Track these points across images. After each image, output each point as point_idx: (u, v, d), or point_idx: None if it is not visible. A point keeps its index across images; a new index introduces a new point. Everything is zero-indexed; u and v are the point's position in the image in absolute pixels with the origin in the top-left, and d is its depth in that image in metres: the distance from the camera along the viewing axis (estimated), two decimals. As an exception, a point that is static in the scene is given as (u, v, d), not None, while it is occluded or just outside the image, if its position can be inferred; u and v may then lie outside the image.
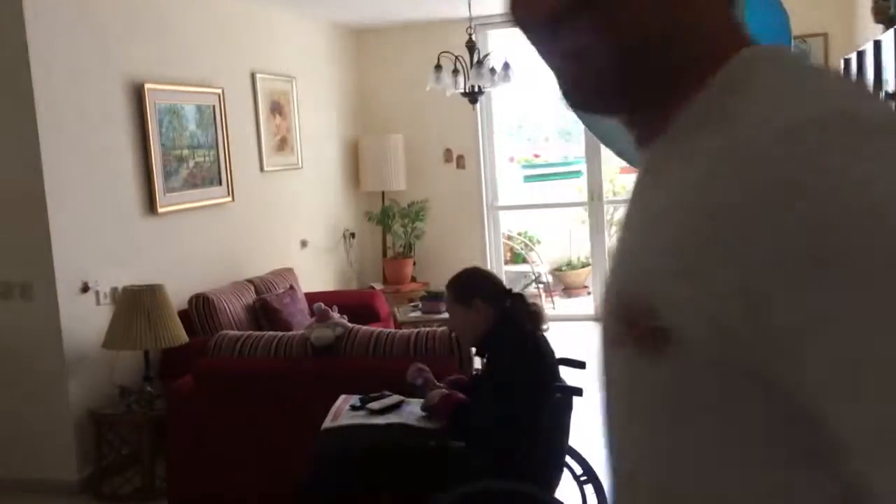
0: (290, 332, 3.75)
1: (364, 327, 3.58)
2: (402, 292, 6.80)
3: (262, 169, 5.74)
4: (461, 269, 2.95)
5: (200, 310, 4.52)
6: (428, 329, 3.50)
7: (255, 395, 3.48)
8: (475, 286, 2.79)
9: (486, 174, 7.27)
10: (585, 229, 8.53)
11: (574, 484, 2.84)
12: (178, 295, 4.39)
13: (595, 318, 7.15)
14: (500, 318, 2.70)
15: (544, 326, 2.75)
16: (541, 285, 7.94)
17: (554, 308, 7.79)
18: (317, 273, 6.41)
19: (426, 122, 7.26)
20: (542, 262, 8.24)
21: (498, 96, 7.15)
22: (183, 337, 4.13)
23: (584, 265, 8.57)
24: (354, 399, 2.84)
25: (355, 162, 7.14)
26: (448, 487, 2.40)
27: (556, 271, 8.45)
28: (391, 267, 7.04)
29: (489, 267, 7.31)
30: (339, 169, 6.97)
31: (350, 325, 3.57)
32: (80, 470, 4.06)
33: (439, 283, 7.06)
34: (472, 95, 5.30)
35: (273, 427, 3.42)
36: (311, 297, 5.34)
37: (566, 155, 9.58)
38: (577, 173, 9.13)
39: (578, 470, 2.81)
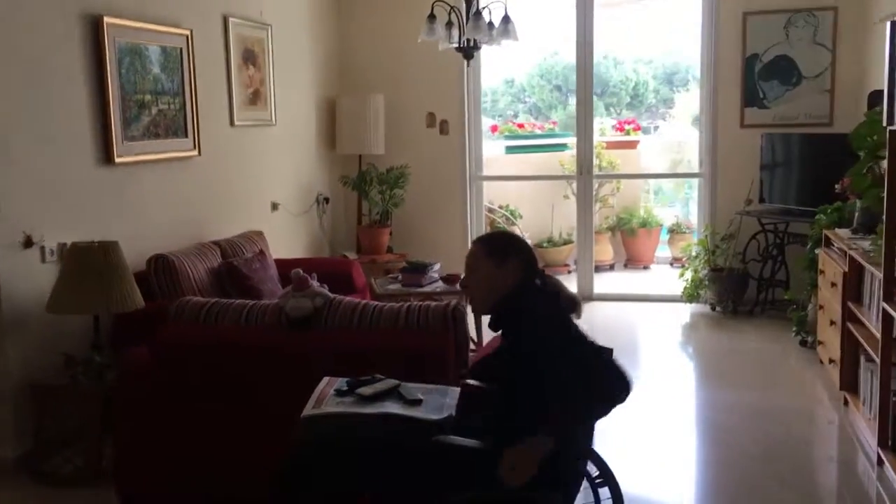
0: (263, 301, 3.31)
1: (347, 298, 3.16)
2: (378, 263, 6.38)
3: (232, 122, 5.26)
4: (491, 233, 2.60)
5: (160, 272, 4.06)
6: (421, 303, 3.09)
7: (220, 370, 3.05)
8: (515, 246, 2.42)
9: (470, 142, 6.85)
10: (568, 205, 8.19)
11: (585, 484, 2.47)
12: (134, 255, 3.93)
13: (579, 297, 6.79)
14: (528, 288, 2.36)
15: (577, 315, 2.38)
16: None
17: (534, 286, 7.42)
18: (287, 238, 5.95)
19: (409, 84, 6.80)
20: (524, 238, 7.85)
21: (488, 59, 6.71)
22: (139, 301, 3.68)
23: (565, 242, 8.22)
24: (341, 382, 2.43)
25: (332, 122, 6.67)
26: (454, 492, 2.01)
27: (537, 248, 8.08)
28: (366, 235, 6.61)
29: (469, 240, 6.92)
30: (315, 129, 6.50)
31: (331, 295, 3.15)
32: (17, 447, 3.61)
33: (417, 254, 6.68)
34: (467, 51, 4.87)
35: (242, 408, 3.00)
36: (281, 264, 4.91)
37: (551, 127, 9.20)
38: (562, 146, 8.76)
39: (593, 470, 2.44)
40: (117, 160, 4.15)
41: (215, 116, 5.06)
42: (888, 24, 3.28)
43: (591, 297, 6.80)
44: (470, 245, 2.50)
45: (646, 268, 8.36)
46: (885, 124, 3.38)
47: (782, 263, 6.09)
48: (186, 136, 4.75)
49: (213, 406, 3.05)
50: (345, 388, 2.38)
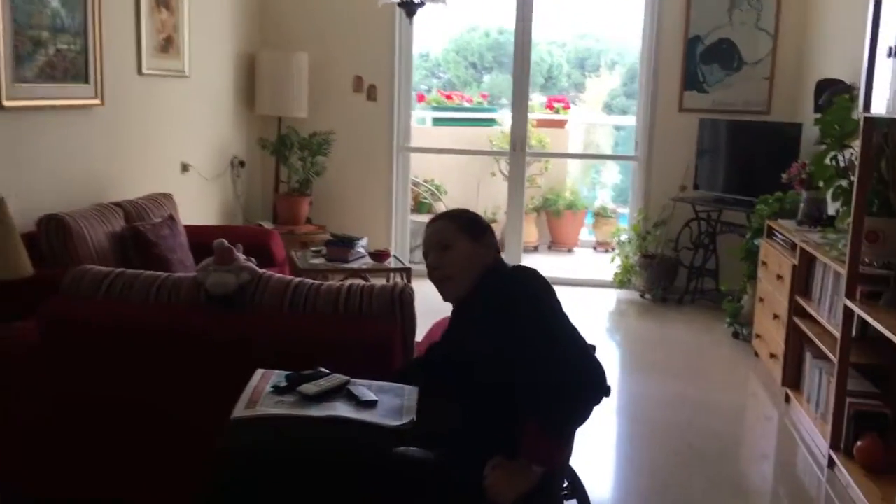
0: (177, 274, 2.87)
1: (277, 275, 2.76)
2: (296, 234, 5.94)
3: (140, 70, 4.71)
4: (452, 209, 2.31)
5: (52, 235, 3.53)
6: (364, 283, 2.71)
7: (126, 355, 2.61)
8: (483, 221, 2.21)
9: (398, 110, 6.46)
10: (495, 183, 7.92)
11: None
12: (22, 213, 3.40)
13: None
14: (504, 266, 2.14)
15: None
16: (445, 239, 7.24)
17: (458, 265, 7.12)
18: (198, 203, 5.44)
19: (336, 43, 6.35)
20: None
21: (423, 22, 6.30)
22: (27, 268, 3.16)
23: (491, 221, 7.94)
24: (278, 376, 2.05)
25: (251, 79, 6.15)
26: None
27: (462, 225, 7.77)
28: (284, 204, 6.15)
29: (394, 215, 6.55)
30: (232, 85, 5.97)
31: (259, 270, 2.74)
32: None
33: (337, 227, 6.27)
34: (410, 6, 4.48)
35: (150, 403, 2.57)
36: (192, 231, 4.43)
37: (480, 100, 8.88)
38: (490, 121, 8.46)
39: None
40: (6, 103, 3.59)
41: (121, 62, 4.51)
42: (870, 9, 3.08)
43: (517, 279, 6.54)
44: (432, 223, 2.21)
45: (570, 251, 8.19)
46: (860, 111, 3.21)
47: (713, 252, 5.97)
48: (88, 81, 4.19)
49: (112, 398, 2.61)
50: (284, 383, 1.99)
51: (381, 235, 6.37)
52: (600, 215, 8.23)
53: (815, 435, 3.65)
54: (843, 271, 3.41)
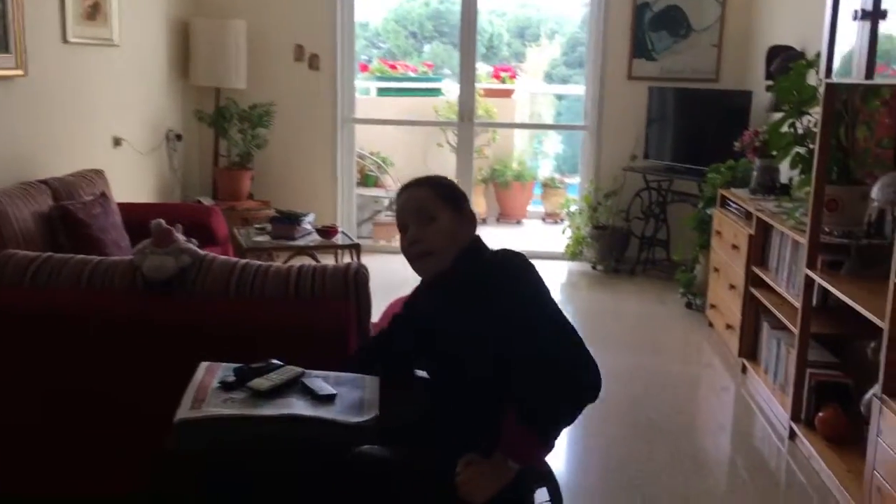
0: (111, 258, 2.65)
1: (221, 257, 2.57)
2: (237, 210, 5.69)
3: (65, 39, 4.40)
4: (423, 175, 2.11)
5: (-28, 217, 3.27)
6: (315, 264, 2.54)
7: (56, 346, 2.40)
8: (461, 189, 2.02)
9: (342, 80, 6.23)
10: (442, 154, 7.76)
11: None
12: (-62, 194, 3.14)
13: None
14: (482, 242, 1.96)
15: None
16: (392, 213, 7.08)
17: (406, 239, 6.97)
18: (132, 179, 5.16)
19: (274, 10, 6.08)
20: (396, 187, 7.35)
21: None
22: (-56, 254, 2.91)
23: (438, 193, 7.78)
24: (225, 370, 1.87)
25: (185, 48, 5.85)
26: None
27: (409, 198, 7.60)
28: (224, 178, 5.89)
29: (339, 189, 6.35)
30: (165, 54, 5.67)
31: (201, 252, 2.55)
32: None
33: (281, 202, 6.05)
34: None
35: (81, 401, 2.37)
36: (127, 209, 4.19)
37: (425, 70, 8.67)
38: (436, 91, 8.28)
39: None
40: (-86, 74, 3.30)
41: (44, 29, 4.20)
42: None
43: (467, 253, 6.41)
44: (409, 190, 1.99)
45: (518, 223, 8.09)
46: (822, 77, 3.14)
47: (664, 222, 5.93)
48: (8, 50, 3.89)
49: (49, 395, 2.40)
50: (232, 378, 1.82)
51: (326, 210, 6.16)
52: (548, 186, 8.14)
53: (774, 406, 3.62)
54: (803, 240, 3.36)
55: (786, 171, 4.43)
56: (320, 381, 1.85)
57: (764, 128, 4.69)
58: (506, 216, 8.10)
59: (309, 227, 4.54)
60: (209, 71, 5.78)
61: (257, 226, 4.69)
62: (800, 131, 3.55)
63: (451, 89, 8.33)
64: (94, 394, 2.37)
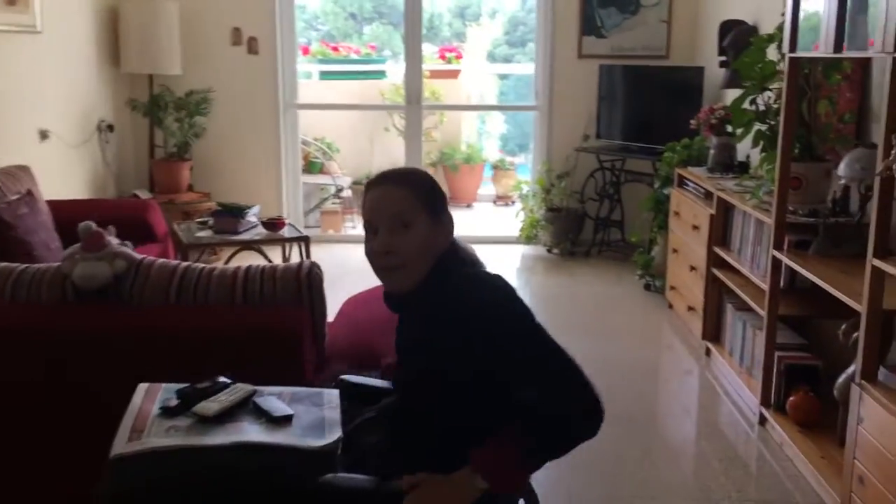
0: (37, 266, 2.42)
1: (160, 260, 2.36)
2: (177, 203, 5.43)
3: (-19, 26, 4.09)
4: (406, 167, 1.88)
5: None
6: (264, 265, 2.35)
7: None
8: (441, 189, 1.75)
9: (282, 64, 5.98)
10: (389, 138, 7.56)
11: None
12: None
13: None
14: (458, 251, 1.70)
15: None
16: (339, 201, 6.87)
17: (355, 227, 6.77)
18: (61, 175, 4.86)
19: (209, -9, 5.79)
20: (342, 174, 7.13)
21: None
22: None
23: (386, 179, 7.59)
24: (166, 392, 1.68)
25: (114, 34, 5.53)
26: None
27: (356, 185, 7.39)
28: (162, 170, 5.61)
29: (284, 177, 6.12)
30: (93, 41, 5.34)
31: (137, 255, 2.34)
32: None
33: (223, 193, 5.78)
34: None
35: (13, 430, 2.15)
36: (57, 207, 3.93)
37: (369, 52, 8.43)
38: (380, 73, 8.05)
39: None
40: None
41: (-43, 16, 3.89)
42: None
43: (419, 240, 6.24)
44: (382, 186, 1.66)
45: (469, 206, 7.94)
46: (786, 51, 3.04)
47: (618, 203, 5.84)
48: (-84, 39, 3.58)
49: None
50: (175, 402, 1.63)
51: (271, 200, 5.92)
52: (498, 168, 8.01)
53: (741, 390, 3.55)
54: (767, 220, 3.27)
55: (743, 149, 4.35)
56: (274, 400, 1.67)
57: (720, 104, 4.62)
58: (456, 200, 7.94)
59: (254, 219, 4.32)
60: (141, 57, 5.48)
61: (199, 220, 4.45)
62: (761, 108, 3.46)
63: (395, 71, 8.12)
64: (22, 416, 2.15)
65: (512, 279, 5.47)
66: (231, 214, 4.23)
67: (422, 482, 1.46)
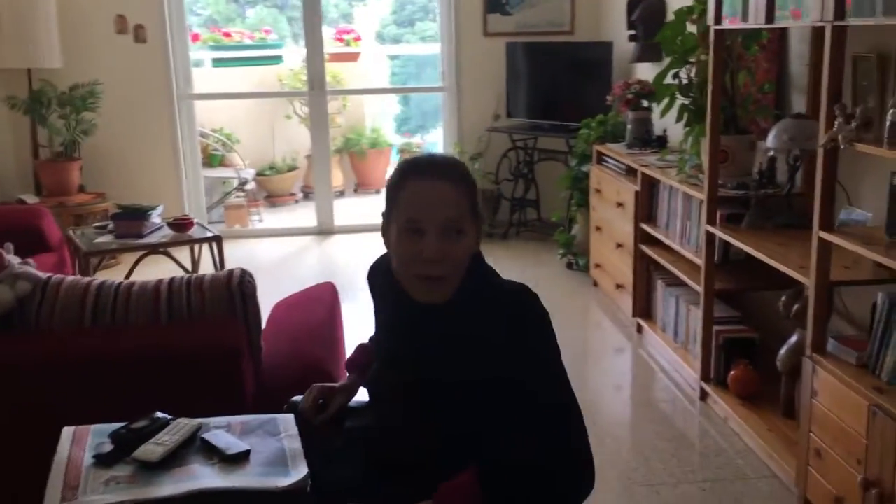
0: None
1: (69, 278, 2.10)
2: (68, 207, 5.06)
3: None
4: (442, 155, 1.71)
5: None
6: (189, 276, 2.12)
7: None
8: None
9: (174, 52, 5.62)
10: (291, 126, 7.29)
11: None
12: None
13: (316, 231, 6.02)
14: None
15: None
16: (243, 194, 6.57)
17: (262, 221, 6.49)
18: (-64, 183, 4.43)
19: (88, -24, 5.38)
20: (245, 165, 6.82)
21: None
22: None
23: (290, 168, 7.32)
24: (97, 436, 1.46)
25: (-15, 25, 5.07)
26: None
27: (259, 176, 7.10)
28: (48, 172, 5.20)
29: (183, 173, 5.78)
30: (-39, 33, 4.88)
31: (41, 274, 2.08)
32: None
33: (119, 193, 5.40)
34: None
35: None
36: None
37: (263, 36, 8.07)
38: (277, 59, 7.74)
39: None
40: None
41: None
42: None
43: (331, 230, 6.04)
44: (437, 180, 1.44)
45: (377, 192, 7.74)
46: (711, 23, 2.99)
47: (533, 182, 5.78)
48: None
49: None
50: (109, 447, 1.42)
51: (170, 197, 5.58)
52: (406, 152, 7.84)
53: (678, 365, 3.53)
54: (697, 194, 3.25)
55: (660, 123, 4.35)
56: (224, 435, 1.48)
57: (634, 79, 4.59)
58: (364, 186, 7.75)
59: (158, 220, 4.03)
60: (16, 50, 5.04)
61: (96, 225, 4.12)
62: (683, 81, 3.42)
63: (291, 56, 7.82)
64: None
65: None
66: (133, 217, 3.93)
67: None
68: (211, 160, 6.83)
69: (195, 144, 5.92)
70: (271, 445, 1.47)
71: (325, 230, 6.01)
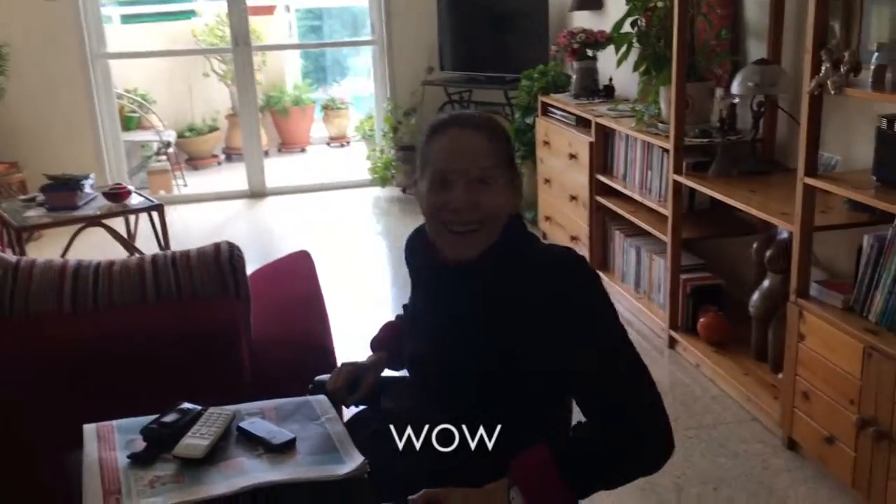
0: None
1: (41, 260, 1.92)
2: (-20, 179, 4.69)
3: None
4: (472, 111, 1.63)
5: None
6: (174, 252, 1.97)
7: None
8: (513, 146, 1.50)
9: (85, 8, 5.25)
10: (209, 84, 6.98)
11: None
12: None
13: (248, 194, 5.81)
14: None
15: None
16: (164, 157, 6.27)
17: (186, 186, 6.21)
18: None
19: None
20: (164, 127, 6.48)
21: None
22: None
23: (211, 129, 7.01)
24: (123, 433, 1.33)
25: None
26: None
27: (181, 139, 6.78)
28: (-44, 143, 4.81)
29: (102, 137, 5.45)
30: None
31: (10, 257, 1.89)
32: None
33: (35, 161, 5.06)
34: None
35: None
36: None
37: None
38: (189, 13, 7.35)
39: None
40: None
41: None
42: None
43: (263, 193, 5.83)
44: (459, 129, 1.39)
45: (303, 150, 7.53)
46: (676, -31, 2.95)
47: (469, 135, 5.69)
48: None
49: None
50: (141, 445, 1.29)
51: (89, 165, 5.26)
52: (330, 108, 7.62)
53: (642, 315, 3.56)
54: (662, 143, 3.24)
55: (606, 72, 4.32)
56: (262, 423, 1.38)
57: (578, 28, 4.54)
58: (288, 145, 7.51)
59: (92, 191, 3.78)
60: None
61: (23, 198, 3.84)
62: (642, 29, 3.39)
63: (205, 10, 7.44)
64: None
65: (369, 225, 5.27)
66: (65, 188, 3.66)
67: (447, 494, 1.24)
68: (127, 123, 6.47)
69: (113, 107, 5.58)
70: (314, 431, 1.37)
71: (256, 193, 5.79)
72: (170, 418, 1.34)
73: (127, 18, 7.19)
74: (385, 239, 5.12)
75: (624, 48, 3.44)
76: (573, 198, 4.10)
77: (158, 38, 6.96)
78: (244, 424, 1.36)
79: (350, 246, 4.87)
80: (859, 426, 2.18)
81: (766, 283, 2.88)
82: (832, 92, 2.21)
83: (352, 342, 2.72)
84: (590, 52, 4.38)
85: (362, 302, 3.94)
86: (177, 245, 4.07)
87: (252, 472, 1.24)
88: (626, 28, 3.45)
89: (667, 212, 3.22)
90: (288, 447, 1.31)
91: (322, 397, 1.48)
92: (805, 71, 2.30)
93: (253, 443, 1.33)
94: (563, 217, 4.30)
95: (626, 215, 3.61)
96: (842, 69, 2.19)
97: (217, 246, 1.99)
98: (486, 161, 1.36)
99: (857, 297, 2.29)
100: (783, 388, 2.55)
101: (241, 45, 5.59)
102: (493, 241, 1.38)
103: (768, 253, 2.79)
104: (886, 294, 2.20)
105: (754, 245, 2.91)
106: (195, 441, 1.29)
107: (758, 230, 3.21)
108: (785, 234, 2.74)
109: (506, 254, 1.38)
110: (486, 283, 1.37)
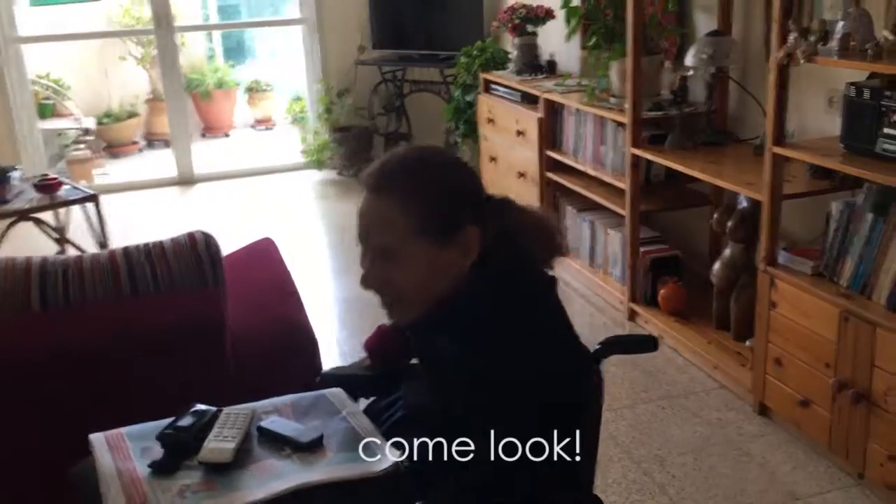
0: None
1: (3, 258, 1.77)
2: None
3: None
4: (397, 154, 1.26)
5: None
6: (147, 244, 1.84)
7: None
8: (461, 191, 1.26)
9: (-8, -12, 4.93)
10: (127, 68, 6.68)
11: None
12: None
13: (176, 181, 5.59)
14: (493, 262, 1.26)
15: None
16: (83, 145, 5.97)
17: (108, 174, 5.93)
18: None
19: None
20: (80, 114, 6.16)
21: None
22: None
23: (130, 115, 6.71)
24: (136, 440, 1.23)
25: None
26: None
27: (99, 125, 6.47)
28: None
29: (17, 127, 5.14)
30: None
31: (-34, 256, 1.74)
32: None
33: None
34: None
35: None
36: None
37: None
38: (101, -7, 6.97)
39: None
40: None
41: None
42: None
43: (192, 180, 5.61)
44: (366, 192, 1.23)
45: (227, 135, 7.30)
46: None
47: (404, 115, 5.62)
48: None
49: None
50: (159, 452, 1.20)
51: (5, 156, 4.94)
52: (254, 90, 7.40)
53: (599, 289, 3.58)
54: (615, 117, 3.25)
55: (547, 48, 4.31)
56: (283, 421, 1.30)
57: (518, 2, 4.50)
58: (212, 129, 7.26)
59: (20, 183, 3.55)
60: None
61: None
62: (591, 2, 3.38)
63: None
64: None
65: (306, 209, 5.13)
66: (-8, 179, 3.43)
67: None
68: (43, 111, 6.12)
69: (27, 93, 5.26)
70: (338, 426, 1.30)
71: (185, 180, 5.57)
72: (186, 422, 1.25)
73: (36, 0, 6.79)
74: (324, 222, 5.00)
75: (573, 22, 3.42)
76: (521, 174, 4.08)
77: (70, 21, 6.60)
78: (265, 424, 1.28)
79: (293, 230, 4.72)
80: (837, 389, 2.23)
81: (727, 252, 2.92)
82: (801, 61, 2.24)
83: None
84: (530, 28, 4.35)
85: (310, 285, 3.83)
86: (116, 238, 3.89)
87: (286, 473, 1.17)
88: (575, 2, 3.44)
89: (624, 185, 3.23)
90: (316, 445, 1.24)
91: (337, 390, 1.41)
92: (773, 41, 2.33)
93: (278, 443, 1.25)
94: (510, 194, 4.20)
95: (580, 190, 3.61)
96: (810, 38, 2.22)
97: (191, 236, 1.89)
98: (388, 235, 1.19)
99: (827, 263, 2.34)
100: (755, 356, 2.60)
101: (164, 27, 5.34)
102: (426, 305, 1.23)
103: (730, 223, 2.83)
104: (857, 259, 2.25)
105: (715, 216, 2.95)
106: (220, 444, 1.20)
107: (711, 201, 3.26)
108: (745, 204, 2.78)
109: (450, 310, 1.23)
110: (423, 341, 1.33)
